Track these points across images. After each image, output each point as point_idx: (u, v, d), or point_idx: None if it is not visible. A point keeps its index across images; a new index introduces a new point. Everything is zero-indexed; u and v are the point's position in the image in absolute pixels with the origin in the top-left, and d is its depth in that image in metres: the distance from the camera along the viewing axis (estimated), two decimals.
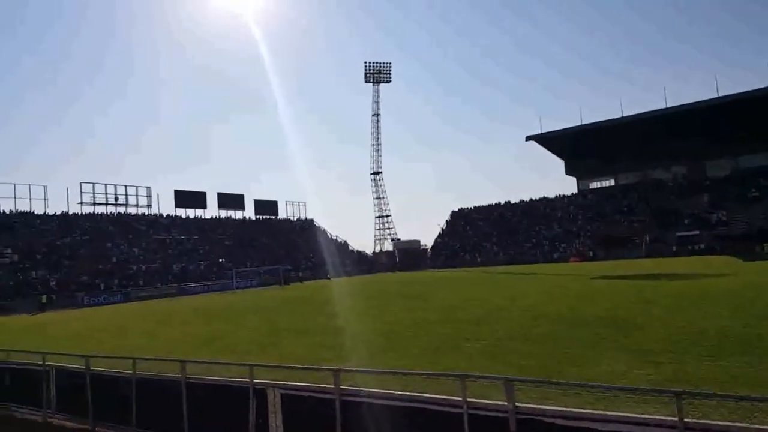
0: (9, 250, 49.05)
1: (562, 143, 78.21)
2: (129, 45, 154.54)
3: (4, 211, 54.98)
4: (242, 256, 66.25)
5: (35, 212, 57.21)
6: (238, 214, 78.51)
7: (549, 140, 78.30)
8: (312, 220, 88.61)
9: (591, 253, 61.72)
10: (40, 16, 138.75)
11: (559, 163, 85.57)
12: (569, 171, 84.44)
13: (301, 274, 63.69)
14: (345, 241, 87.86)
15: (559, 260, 62.39)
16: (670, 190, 68.29)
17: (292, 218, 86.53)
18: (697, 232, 57.37)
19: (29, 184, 57.04)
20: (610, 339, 12.02)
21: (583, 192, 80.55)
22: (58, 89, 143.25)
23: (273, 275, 59.76)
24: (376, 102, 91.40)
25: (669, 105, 67.15)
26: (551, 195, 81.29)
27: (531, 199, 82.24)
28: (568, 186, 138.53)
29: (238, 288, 53.92)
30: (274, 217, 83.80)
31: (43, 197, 58.05)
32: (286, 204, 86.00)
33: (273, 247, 72.77)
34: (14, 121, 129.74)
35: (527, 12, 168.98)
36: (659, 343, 11.22)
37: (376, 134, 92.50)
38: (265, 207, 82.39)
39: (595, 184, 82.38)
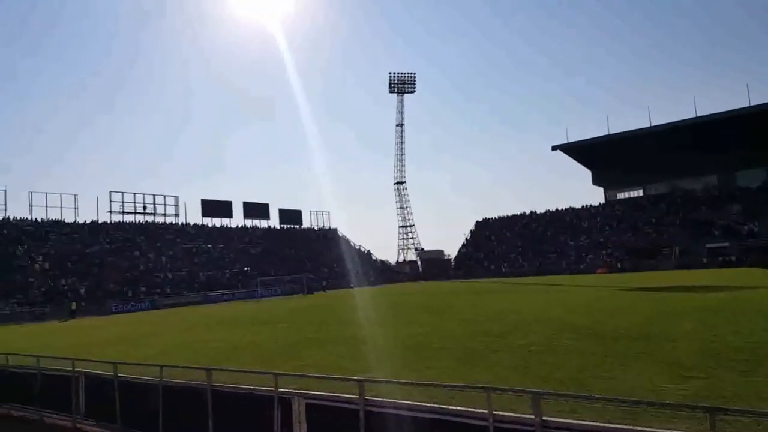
0: (41, 258, 50.35)
1: (589, 153, 77.23)
2: (156, 58, 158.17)
3: (36, 219, 56.50)
4: (267, 265, 66.82)
5: (66, 221, 58.66)
6: (263, 224, 79.37)
7: (575, 150, 77.43)
8: (336, 230, 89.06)
9: (618, 265, 60.58)
10: (73, 32, 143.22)
11: (585, 173, 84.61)
12: (596, 181, 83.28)
13: (324, 283, 63.90)
14: (368, 251, 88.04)
15: (585, 271, 61.38)
16: (700, 201, 66.77)
17: (316, 227, 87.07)
18: (728, 244, 55.91)
19: (60, 194, 58.69)
20: (640, 352, 11.72)
21: (610, 202, 79.29)
22: (89, 101, 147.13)
23: (297, 284, 60.11)
24: (401, 112, 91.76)
25: (699, 114, 65.84)
26: (577, 205, 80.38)
27: (557, 209, 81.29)
28: (595, 196, 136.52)
29: (262, 297, 54.35)
30: (298, 226, 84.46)
31: (73, 206, 59.57)
32: (310, 213, 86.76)
33: (297, 256, 73.25)
34: (47, 132, 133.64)
35: (552, 21, 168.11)
36: (691, 357, 10.90)
37: (400, 144, 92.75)
38: (290, 216, 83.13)
39: (622, 195, 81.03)
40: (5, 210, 53.80)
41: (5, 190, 53.97)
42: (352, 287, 62.67)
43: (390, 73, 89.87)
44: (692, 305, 20.16)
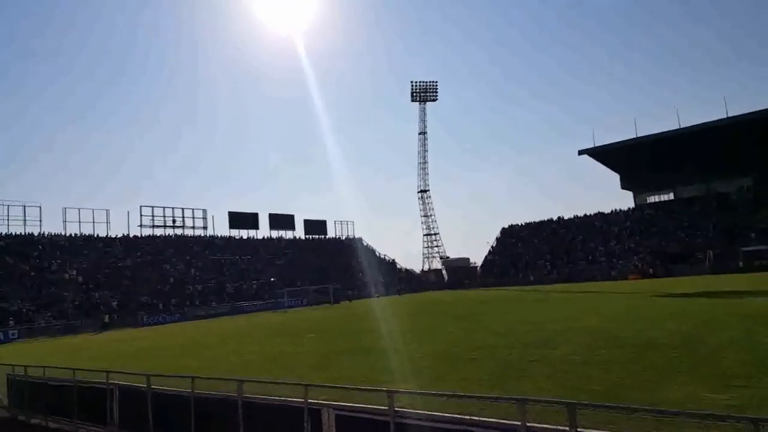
0: (74, 272, 51.58)
1: (617, 156, 75.84)
2: (182, 71, 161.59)
3: (70, 234, 57.95)
4: (293, 275, 67.26)
5: (99, 235, 60.04)
6: (288, 234, 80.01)
7: (603, 154, 76.17)
8: (360, 239, 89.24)
9: (651, 271, 59.17)
10: (114, 59, 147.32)
11: (613, 177, 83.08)
12: (625, 185, 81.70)
13: (350, 293, 63.97)
14: (393, 260, 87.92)
15: (617, 278, 60.12)
16: (734, 204, 64.92)
17: (340, 237, 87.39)
18: (765, 247, 54.13)
19: (93, 209, 60.12)
20: (680, 362, 11.35)
21: (640, 206, 77.66)
22: (124, 120, 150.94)
23: (322, 294, 60.33)
24: (423, 120, 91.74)
25: (730, 114, 64.18)
26: (606, 210, 78.95)
27: (585, 215, 79.94)
28: (624, 200, 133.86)
29: (289, 307, 54.68)
30: (323, 236, 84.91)
31: (105, 221, 60.93)
32: (335, 223, 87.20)
33: (322, 266, 73.58)
34: (80, 150, 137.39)
35: (576, 24, 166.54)
36: (734, 366, 10.51)
37: (423, 152, 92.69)
38: (315, 227, 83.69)
39: (653, 198, 79.31)
40: (40, 226, 55.45)
41: (40, 207, 55.47)
42: (377, 297, 62.57)
43: (412, 81, 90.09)
44: (731, 312, 19.51)
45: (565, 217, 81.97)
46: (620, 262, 64.59)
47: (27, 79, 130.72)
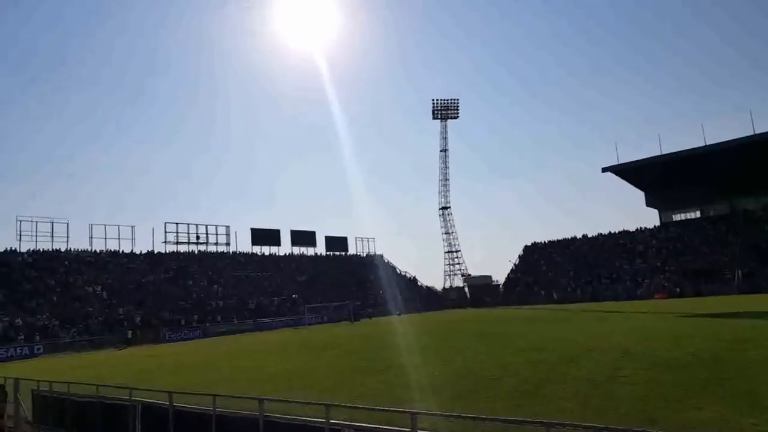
0: (99, 288, 52.36)
1: (642, 174, 74.70)
2: (206, 93, 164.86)
3: (95, 250, 58.98)
4: (314, 291, 67.32)
5: (124, 251, 60.99)
6: (309, 251, 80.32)
7: (627, 171, 75.09)
8: (381, 256, 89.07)
9: (678, 289, 57.82)
10: (136, 76, 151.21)
11: (638, 195, 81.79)
12: (650, 203, 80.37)
13: (370, 310, 63.70)
14: (414, 277, 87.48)
15: (642, 297, 58.86)
16: (763, 221, 63.33)
17: (361, 254, 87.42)
18: None
19: (118, 225, 61.11)
20: (710, 382, 11.00)
21: (666, 224, 76.22)
22: (148, 137, 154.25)
23: (343, 311, 60.20)
24: (444, 138, 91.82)
25: (757, 131, 62.85)
26: (631, 228, 77.57)
27: (610, 233, 78.72)
28: (649, 218, 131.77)
29: (309, 324, 54.63)
30: (344, 253, 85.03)
31: (131, 237, 61.90)
32: (356, 240, 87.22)
33: (343, 282, 73.54)
34: (106, 168, 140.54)
35: (600, 38, 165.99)
36: (763, 387, 10.14)
37: (444, 169, 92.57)
38: (336, 243, 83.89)
39: (678, 216, 77.81)
40: (67, 242, 56.48)
41: (67, 223, 56.64)
42: (398, 314, 62.17)
43: (433, 99, 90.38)
44: (760, 331, 18.92)
45: (589, 235, 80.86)
46: (646, 280, 63.30)
47: (55, 98, 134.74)
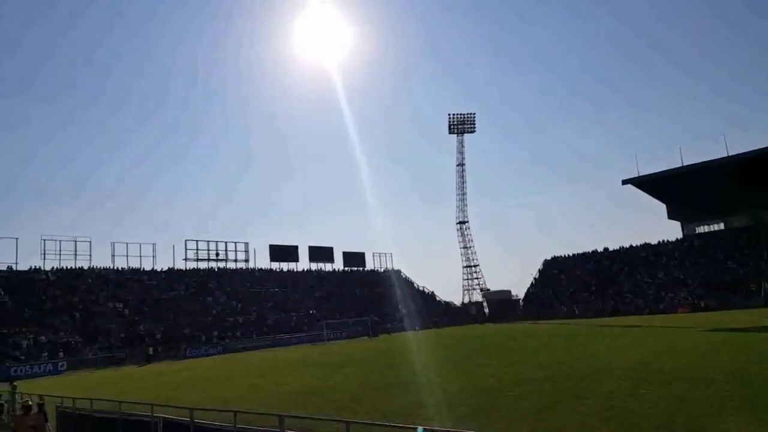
0: (121, 305, 53.04)
1: (663, 186, 73.65)
2: (224, 111, 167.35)
3: (117, 268, 59.83)
4: (331, 307, 67.36)
5: (145, 269, 61.76)
6: (327, 266, 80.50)
7: (648, 183, 74.12)
8: (399, 271, 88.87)
9: (701, 303, 56.67)
10: (155, 92, 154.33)
11: (659, 207, 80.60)
12: (672, 215, 79.17)
13: (388, 326, 63.45)
14: (432, 292, 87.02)
15: (665, 311, 57.78)
16: None
17: (379, 269, 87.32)
18: None
19: (140, 243, 61.96)
20: (738, 398, 10.74)
21: (688, 237, 74.99)
22: (165, 155, 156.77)
23: (361, 327, 60.04)
24: (461, 152, 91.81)
25: None
26: (653, 241, 76.45)
27: (631, 246, 77.64)
28: (671, 231, 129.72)
29: (328, 340, 54.60)
30: (361, 268, 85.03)
31: (152, 254, 62.71)
32: (373, 255, 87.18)
33: (361, 298, 73.47)
34: (133, 186, 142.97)
35: (617, 49, 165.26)
36: None
37: (461, 183, 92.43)
38: (353, 259, 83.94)
39: (702, 229, 76.51)
40: (90, 260, 57.42)
41: (90, 241, 57.65)
42: (416, 330, 61.82)
43: (449, 114, 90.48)
44: None
45: (610, 248, 79.86)
46: (669, 294, 62.18)
47: (79, 119, 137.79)
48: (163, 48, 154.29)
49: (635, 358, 18.81)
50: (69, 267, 55.71)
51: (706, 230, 75.80)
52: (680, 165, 69.18)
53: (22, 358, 40.34)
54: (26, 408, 10.18)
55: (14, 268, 51.83)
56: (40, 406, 11.17)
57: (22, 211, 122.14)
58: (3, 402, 14.02)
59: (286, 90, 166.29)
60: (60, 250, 55.26)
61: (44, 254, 54.22)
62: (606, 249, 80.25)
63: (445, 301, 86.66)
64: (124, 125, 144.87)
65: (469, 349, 29.25)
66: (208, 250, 67.80)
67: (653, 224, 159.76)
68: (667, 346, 22.43)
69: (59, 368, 39.88)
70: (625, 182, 74.69)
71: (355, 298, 73.27)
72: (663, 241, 75.73)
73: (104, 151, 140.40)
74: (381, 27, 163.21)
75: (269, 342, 53.71)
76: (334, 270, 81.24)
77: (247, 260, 71.27)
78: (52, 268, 54.66)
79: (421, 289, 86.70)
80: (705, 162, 67.00)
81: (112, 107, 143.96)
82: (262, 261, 75.00)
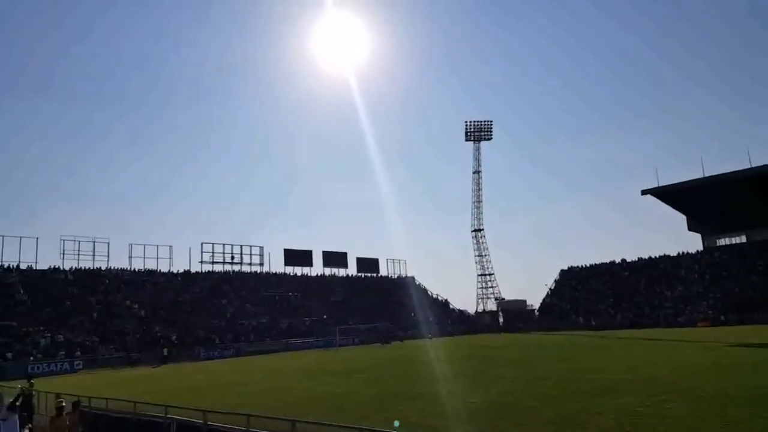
0: (137, 306, 53.53)
1: (684, 197, 72.47)
2: (241, 116, 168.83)
3: (134, 269, 60.44)
4: (344, 313, 67.29)
5: (161, 270, 62.30)
6: (341, 272, 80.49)
7: (668, 194, 73.01)
8: (412, 278, 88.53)
9: (722, 317, 55.57)
10: (174, 98, 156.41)
11: (679, 219, 79.36)
12: (692, 227, 77.89)
13: (401, 333, 63.18)
14: (446, 300, 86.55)
15: (684, 325, 56.72)
16: None
17: (392, 276, 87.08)
18: None
19: (157, 245, 62.54)
20: (761, 419, 10.41)
21: (709, 249, 73.70)
22: (188, 160, 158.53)
23: (374, 333, 59.84)
24: (477, 159, 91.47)
25: None
26: (673, 253, 75.26)
27: (650, 257, 76.52)
28: (692, 243, 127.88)
29: (340, 345, 54.48)
30: (375, 274, 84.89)
31: (168, 257, 63.25)
32: (387, 261, 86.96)
33: (374, 304, 73.27)
34: (158, 196, 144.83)
35: (638, 57, 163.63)
36: None
37: (477, 191, 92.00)
38: (367, 265, 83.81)
39: (723, 241, 75.14)
40: (108, 260, 58.12)
41: (108, 243, 58.32)
42: (429, 337, 61.44)
43: (466, 121, 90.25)
44: None
45: (629, 260, 78.79)
46: (688, 307, 61.08)
47: (92, 119, 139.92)
48: (180, 53, 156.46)
49: (654, 373, 18.43)
50: (87, 267, 56.42)
51: (728, 243, 74.46)
52: (702, 176, 68.17)
53: (40, 356, 40.84)
54: (59, 409, 10.12)
55: (34, 267, 52.66)
56: (75, 405, 11.01)
57: (41, 211, 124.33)
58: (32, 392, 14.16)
59: (304, 94, 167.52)
60: (79, 251, 56.04)
61: (63, 254, 55.06)
62: (624, 260, 79.22)
63: (459, 310, 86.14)
64: (142, 127, 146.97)
65: (485, 360, 28.94)
66: (224, 253, 68.25)
67: (673, 236, 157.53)
68: (687, 361, 21.97)
69: (75, 367, 40.31)
70: (644, 192, 73.67)
71: (368, 304, 73.12)
72: (683, 253, 74.55)
73: (122, 152, 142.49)
74: (398, 33, 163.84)
75: (282, 346, 53.79)
76: (348, 275, 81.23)
77: (261, 264, 71.64)
78: (71, 267, 55.42)
79: (434, 296, 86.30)
80: (727, 173, 65.79)
81: (129, 109, 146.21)
82: (276, 265, 75.29)
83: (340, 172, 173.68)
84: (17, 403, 11.36)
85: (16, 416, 10.45)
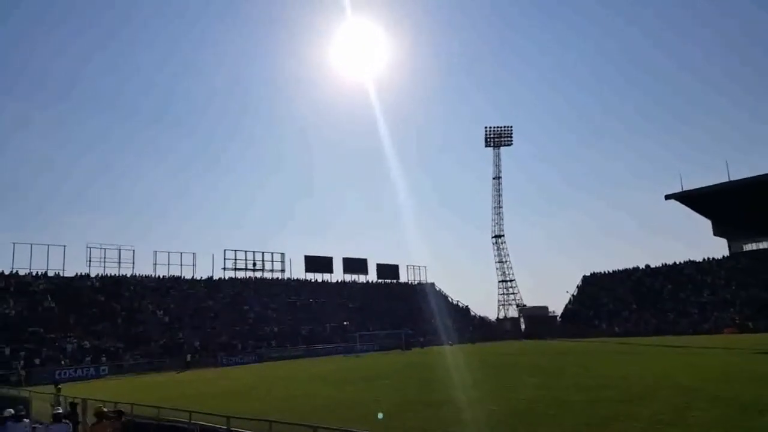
0: (161, 312, 54.31)
1: (709, 202, 71.17)
2: (258, 122, 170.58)
3: (159, 276, 61.36)
4: (365, 319, 67.35)
5: (185, 277, 63.12)
6: (361, 278, 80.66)
7: (693, 198, 71.81)
8: (432, 284, 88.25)
9: (749, 324, 54.33)
10: (194, 107, 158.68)
11: (704, 224, 77.92)
12: (718, 232, 76.32)
13: (422, 339, 63.01)
14: (466, 306, 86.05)
15: (710, 331, 55.60)
16: None
17: (412, 282, 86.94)
18: None
19: (181, 252, 63.39)
20: None
21: (735, 255, 72.16)
22: (211, 168, 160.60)
23: (394, 339, 59.80)
24: (497, 165, 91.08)
25: None
26: (698, 258, 73.89)
27: (675, 263, 75.21)
28: (717, 248, 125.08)
29: (360, 351, 54.51)
30: (395, 280, 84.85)
31: (192, 263, 64.05)
32: (407, 268, 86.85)
33: (394, 310, 73.22)
34: (179, 202, 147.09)
35: (660, 63, 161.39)
36: None
37: (498, 197, 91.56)
38: (387, 271, 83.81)
39: (750, 246, 73.53)
40: (133, 267, 59.12)
41: (133, 250, 59.37)
42: (450, 344, 61.14)
43: (486, 127, 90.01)
44: None
45: (653, 265, 77.51)
46: (714, 314, 59.83)
47: (114, 128, 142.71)
48: (200, 63, 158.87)
49: (679, 381, 18.12)
50: (113, 274, 57.43)
51: (754, 248, 72.85)
52: (727, 180, 66.90)
53: (67, 361, 41.67)
54: (99, 415, 10.19)
55: (61, 275, 53.81)
56: (119, 413, 10.50)
57: (68, 218, 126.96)
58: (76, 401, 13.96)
59: (323, 102, 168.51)
60: (105, 258, 57.05)
61: (90, 261, 56.14)
62: (648, 266, 78.00)
63: (479, 316, 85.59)
64: (164, 136, 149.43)
65: (506, 367, 28.73)
66: (246, 259, 68.91)
67: (697, 242, 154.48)
68: (714, 368, 21.55)
69: (101, 373, 41.02)
70: (668, 197, 72.57)
71: (388, 310, 73.09)
72: (708, 258, 73.15)
73: (145, 160, 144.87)
74: (417, 40, 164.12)
75: (303, 352, 54.05)
76: (368, 282, 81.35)
77: (283, 270, 72.16)
78: (97, 275, 56.45)
79: (455, 302, 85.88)
80: (753, 177, 64.51)
81: (151, 119, 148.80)
82: (297, 271, 75.75)
83: (360, 179, 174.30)
84: (65, 413, 11.11)
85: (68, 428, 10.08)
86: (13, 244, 51.50)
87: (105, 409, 10.33)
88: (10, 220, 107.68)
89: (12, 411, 9.91)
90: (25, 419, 10.30)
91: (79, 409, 13.21)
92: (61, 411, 10.58)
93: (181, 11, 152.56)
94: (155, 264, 60.97)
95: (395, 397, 18.20)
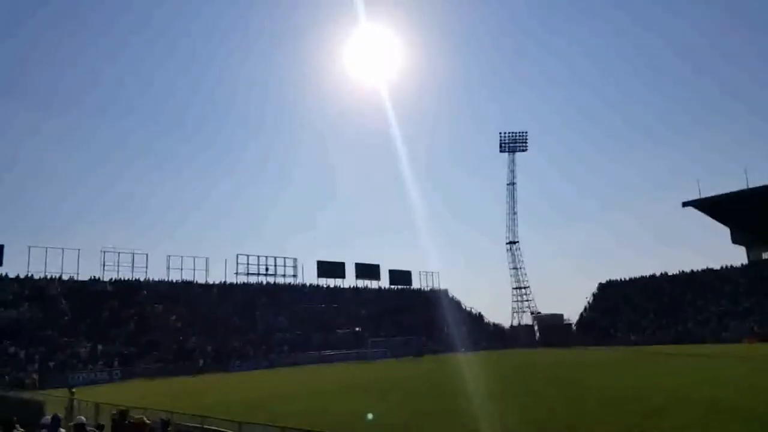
0: (174, 317, 54.44)
1: (727, 209, 70.00)
2: (272, 129, 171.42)
3: (171, 280, 61.56)
4: (377, 325, 67.00)
5: (198, 282, 63.28)
6: (374, 284, 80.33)
7: (710, 205, 70.71)
8: (446, 291, 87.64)
9: None
10: (204, 111, 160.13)
11: (722, 231, 76.58)
12: (736, 239, 74.97)
13: (434, 346, 62.47)
14: (480, 313, 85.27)
15: (730, 341, 54.44)
16: None
17: (425, 288, 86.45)
18: None
19: (194, 257, 63.59)
20: None
21: (755, 263, 70.77)
22: (225, 173, 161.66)
23: (406, 346, 59.36)
24: (512, 171, 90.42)
25: None
26: (716, 266, 72.57)
27: (693, 271, 73.99)
28: (736, 256, 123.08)
29: (373, 358, 54.15)
30: (407, 287, 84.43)
31: (204, 268, 64.21)
32: (420, 274, 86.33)
33: (407, 317, 72.76)
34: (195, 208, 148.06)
35: (676, 69, 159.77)
36: None
37: (512, 203, 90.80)
38: (400, 277, 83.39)
39: None
40: (146, 272, 59.45)
41: (147, 255, 59.69)
42: (463, 352, 60.53)
43: (500, 132, 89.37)
44: None
45: (670, 273, 76.31)
46: (733, 322, 58.65)
47: (130, 135, 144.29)
48: (215, 71, 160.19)
49: (700, 392, 17.63)
50: (126, 278, 57.73)
51: None
52: (746, 187, 65.81)
53: (80, 366, 41.85)
54: (122, 413, 10.00)
55: (75, 279, 54.16)
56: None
57: (83, 223, 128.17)
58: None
59: (336, 108, 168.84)
60: (118, 262, 57.38)
61: (104, 266, 56.50)
62: (665, 273, 76.80)
63: (493, 323, 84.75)
64: (177, 144, 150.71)
65: (523, 377, 28.27)
66: (258, 265, 68.93)
67: (715, 249, 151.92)
68: (735, 379, 20.98)
69: (114, 377, 41.14)
70: (685, 204, 71.59)
71: (400, 317, 72.68)
72: (727, 266, 71.82)
73: (156, 168, 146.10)
74: (431, 46, 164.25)
75: (315, 358, 53.80)
76: (380, 288, 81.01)
77: (295, 275, 72.04)
78: (111, 279, 56.78)
79: (468, 310, 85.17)
80: None
81: (167, 126, 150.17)
82: (309, 277, 75.59)
83: (372, 184, 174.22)
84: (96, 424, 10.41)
85: None
86: (29, 247, 51.69)
87: (124, 409, 10.15)
88: (26, 225, 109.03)
89: (49, 418, 9.28)
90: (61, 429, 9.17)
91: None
92: (84, 420, 9.29)
93: (199, 23, 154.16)
94: (168, 268, 61.22)
95: (411, 409, 17.85)
